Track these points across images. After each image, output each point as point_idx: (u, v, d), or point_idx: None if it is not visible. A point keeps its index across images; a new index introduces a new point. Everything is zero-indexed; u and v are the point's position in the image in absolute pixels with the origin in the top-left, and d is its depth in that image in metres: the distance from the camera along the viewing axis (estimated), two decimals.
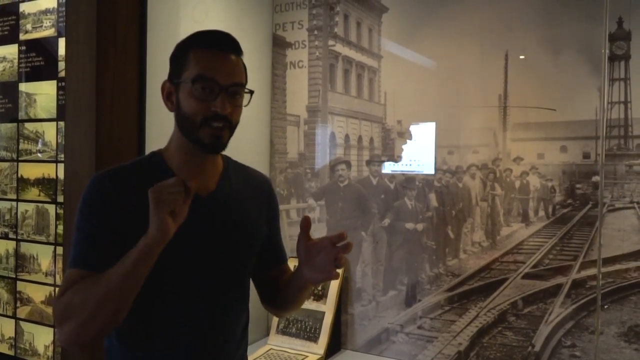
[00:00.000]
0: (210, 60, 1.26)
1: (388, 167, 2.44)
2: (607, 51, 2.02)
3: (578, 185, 2.09)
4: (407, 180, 2.39)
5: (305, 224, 1.34)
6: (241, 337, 1.45)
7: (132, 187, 1.27)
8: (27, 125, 2.49)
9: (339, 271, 1.35)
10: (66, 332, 1.19)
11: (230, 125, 1.29)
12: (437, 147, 2.33)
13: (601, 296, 2.01)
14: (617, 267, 2.00)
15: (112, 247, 1.23)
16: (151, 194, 1.12)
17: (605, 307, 2.01)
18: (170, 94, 1.32)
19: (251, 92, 1.34)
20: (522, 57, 2.17)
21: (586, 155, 2.07)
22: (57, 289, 2.40)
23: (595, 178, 2.05)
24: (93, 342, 1.20)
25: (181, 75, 1.27)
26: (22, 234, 2.50)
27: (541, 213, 2.16)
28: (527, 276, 2.15)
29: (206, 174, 1.37)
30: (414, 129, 2.39)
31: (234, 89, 1.28)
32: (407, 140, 2.40)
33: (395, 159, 2.42)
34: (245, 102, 1.35)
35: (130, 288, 1.16)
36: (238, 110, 1.32)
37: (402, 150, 2.41)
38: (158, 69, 1.97)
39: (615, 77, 2.01)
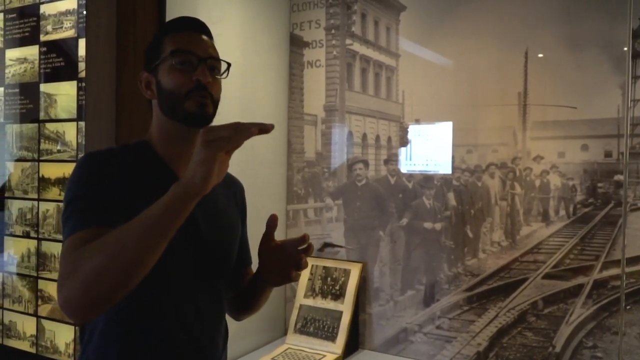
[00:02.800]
0: (185, 37, 1.31)
1: (406, 167, 2.43)
2: (631, 49, 1.99)
3: (599, 184, 2.06)
4: (425, 180, 2.38)
5: (272, 224, 1.34)
6: (224, 334, 1.46)
7: (121, 168, 1.26)
8: (48, 125, 2.52)
9: (302, 273, 1.35)
10: (69, 288, 1.04)
11: (212, 98, 1.29)
12: (456, 146, 2.31)
13: (624, 296, 1.98)
14: None
15: (111, 205, 1.16)
16: (202, 134, 1.01)
17: (628, 307, 1.98)
18: (149, 83, 1.34)
19: (228, 65, 1.35)
20: (541, 55, 2.15)
21: (608, 154, 2.05)
22: None
23: (618, 177, 2.02)
24: (95, 310, 1.07)
25: (159, 58, 1.31)
26: (43, 233, 2.53)
27: (562, 212, 2.13)
28: (547, 276, 2.13)
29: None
30: (431, 128, 2.37)
31: (212, 62, 1.31)
32: (426, 139, 2.39)
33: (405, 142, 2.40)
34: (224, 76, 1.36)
35: (151, 243, 1.02)
36: (218, 83, 1.33)
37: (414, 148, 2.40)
38: None
39: (638, 74, 1.98)
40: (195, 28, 1.34)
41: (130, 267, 1.02)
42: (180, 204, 1.02)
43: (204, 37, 1.34)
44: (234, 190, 1.54)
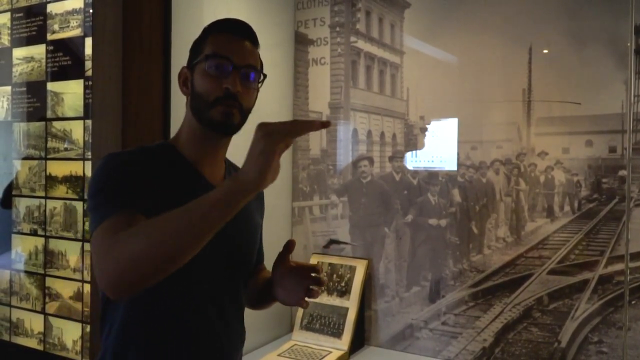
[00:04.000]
0: (225, 42, 1.28)
1: (411, 163, 2.44)
2: (633, 44, 1.99)
3: (604, 180, 2.07)
4: (430, 176, 2.39)
5: (289, 247, 1.35)
6: (242, 335, 1.46)
7: (144, 168, 1.24)
8: (55, 123, 2.54)
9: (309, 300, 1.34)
10: (107, 269, 1.03)
11: (241, 107, 1.27)
12: (460, 142, 2.32)
13: (629, 292, 1.99)
14: None
15: (137, 192, 1.15)
16: (260, 127, 0.98)
17: (633, 302, 1.98)
18: (186, 80, 1.34)
19: (264, 76, 1.34)
20: (546, 51, 2.15)
21: (612, 150, 2.05)
22: (84, 284, 2.44)
23: (622, 172, 2.02)
24: (137, 288, 1.05)
25: (197, 58, 1.30)
26: (51, 231, 2.55)
27: (566, 208, 2.14)
28: (552, 272, 2.13)
29: (216, 167, 1.37)
30: (436, 124, 2.38)
31: (247, 70, 1.28)
32: (430, 136, 2.39)
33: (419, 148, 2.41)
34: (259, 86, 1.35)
35: (195, 235, 1.00)
36: (250, 93, 1.30)
37: (424, 145, 2.41)
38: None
39: None
40: (238, 32, 1.31)
41: (169, 256, 1.01)
42: (234, 199, 0.99)
43: (246, 42, 1.31)
44: (257, 198, 1.52)
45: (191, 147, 1.33)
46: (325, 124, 1.01)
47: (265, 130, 0.97)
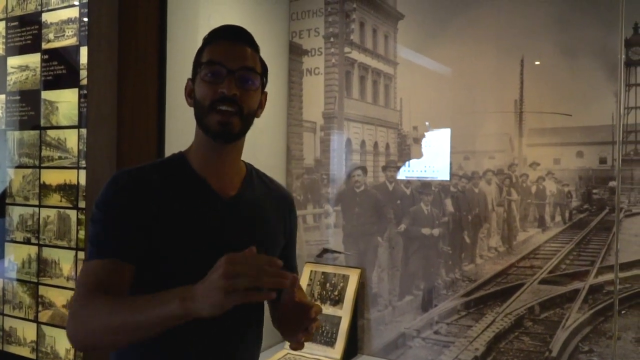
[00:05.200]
0: (219, 48, 1.30)
1: (404, 173, 2.46)
2: (624, 57, 2.02)
3: (595, 191, 2.09)
4: (423, 186, 2.40)
5: (294, 283, 1.25)
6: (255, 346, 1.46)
7: (153, 185, 1.27)
8: (49, 132, 2.54)
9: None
10: (70, 331, 1.15)
11: (240, 111, 1.27)
12: (453, 152, 2.34)
13: (618, 301, 2.00)
14: (635, 272, 1.99)
15: (131, 238, 1.20)
16: (225, 264, 0.99)
17: (623, 312, 2.00)
18: (191, 91, 1.35)
19: (260, 75, 1.34)
20: (537, 63, 2.18)
21: (603, 161, 2.07)
22: None
23: (612, 183, 2.05)
24: (91, 351, 1.22)
25: (197, 69, 1.32)
26: (44, 239, 2.55)
27: (558, 218, 2.16)
28: (543, 281, 2.15)
29: (227, 175, 1.37)
30: (429, 135, 2.40)
31: (243, 73, 1.28)
32: (423, 146, 2.41)
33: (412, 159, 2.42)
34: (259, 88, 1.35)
35: (136, 335, 1.07)
36: (249, 95, 1.30)
37: (419, 155, 2.42)
38: (177, 78, 2.00)
39: (631, 82, 2.01)
40: (232, 37, 1.32)
41: (111, 343, 1.14)
42: (175, 320, 1.03)
43: (241, 46, 1.32)
44: (281, 203, 1.52)
45: (199, 158, 1.35)
46: (293, 283, 1.05)
47: (232, 268, 0.98)
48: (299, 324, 1.27)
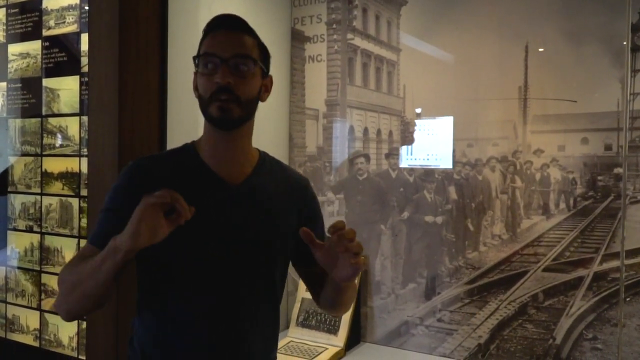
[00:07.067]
0: (212, 39, 1.31)
1: (407, 161, 2.44)
2: (630, 42, 2.00)
3: (599, 177, 2.08)
4: (427, 173, 2.39)
5: (306, 235, 1.26)
6: (270, 336, 1.44)
7: (161, 175, 1.31)
8: (51, 120, 2.53)
9: (362, 257, 1.28)
10: (56, 299, 1.26)
11: (238, 99, 1.27)
12: (457, 140, 2.32)
13: (624, 288, 2.00)
14: None
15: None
16: (143, 199, 1.11)
17: (628, 299, 1.99)
18: (197, 85, 1.35)
19: (254, 60, 1.32)
20: (541, 49, 2.16)
21: (608, 147, 2.06)
22: None
23: (617, 170, 2.03)
24: (70, 317, 1.27)
25: (196, 63, 1.33)
26: (47, 227, 2.54)
27: (562, 205, 2.15)
28: (547, 269, 2.14)
29: (236, 163, 1.37)
30: (432, 122, 2.38)
31: (236, 60, 1.28)
32: (427, 133, 2.40)
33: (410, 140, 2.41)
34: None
35: (92, 285, 1.17)
36: (246, 82, 1.29)
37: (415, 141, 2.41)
38: (179, 64, 1.99)
39: (638, 68, 1.99)
40: (224, 26, 1.32)
41: (82, 298, 1.19)
42: (113, 254, 1.12)
43: (233, 33, 1.31)
44: (295, 189, 1.49)
45: (207, 147, 1.36)
46: (189, 213, 1.13)
47: (144, 199, 1.11)
48: (344, 261, 1.22)
